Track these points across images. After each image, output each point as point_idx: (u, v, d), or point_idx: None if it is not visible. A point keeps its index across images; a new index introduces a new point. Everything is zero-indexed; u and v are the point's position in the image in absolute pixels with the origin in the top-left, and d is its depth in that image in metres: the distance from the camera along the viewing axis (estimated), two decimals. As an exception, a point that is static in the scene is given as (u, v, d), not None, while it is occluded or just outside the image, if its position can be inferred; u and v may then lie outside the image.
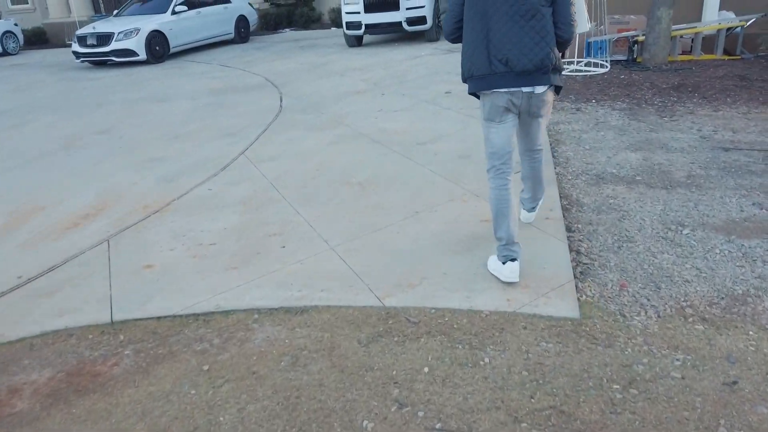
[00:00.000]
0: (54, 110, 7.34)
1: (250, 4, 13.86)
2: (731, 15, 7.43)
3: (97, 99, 7.85)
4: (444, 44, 10.15)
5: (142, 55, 10.63)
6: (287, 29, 15.57)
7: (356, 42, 10.85)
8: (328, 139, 5.07)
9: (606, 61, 7.18)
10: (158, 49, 10.93)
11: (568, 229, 3.20)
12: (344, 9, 10.39)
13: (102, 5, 18.96)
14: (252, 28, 13.77)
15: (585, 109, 5.55)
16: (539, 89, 2.44)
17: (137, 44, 10.53)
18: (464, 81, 2.56)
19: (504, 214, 2.55)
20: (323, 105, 6.40)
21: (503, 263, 2.57)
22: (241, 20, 13.18)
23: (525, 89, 2.41)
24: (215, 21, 12.40)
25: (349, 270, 2.82)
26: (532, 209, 3.13)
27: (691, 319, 2.38)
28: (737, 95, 5.70)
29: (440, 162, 4.28)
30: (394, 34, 11.39)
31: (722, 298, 2.53)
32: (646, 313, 2.43)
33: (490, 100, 2.47)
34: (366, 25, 10.26)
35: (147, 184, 4.30)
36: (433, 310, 2.45)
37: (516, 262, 2.55)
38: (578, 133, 4.85)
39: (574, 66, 7.11)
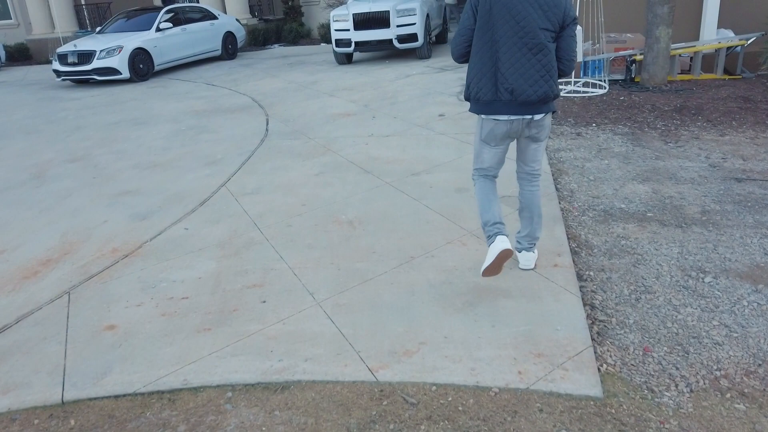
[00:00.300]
0: (28, 134, 6.99)
1: (237, 20, 13.60)
2: (730, 33, 7.25)
3: (75, 121, 7.50)
4: (435, 62, 9.92)
5: (125, 74, 10.30)
6: (276, 45, 15.32)
7: (346, 59, 10.60)
8: (315, 169, 4.76)
9: (604, 82, 6.95)
10: (142, 67, 10.61)
11: (580, 277, 2.91)
12: (333, 26, 10.15)
13: (88, 21, 18.64)
14: (240, 45, 13.50)
15: (586, 134, 5.29)
16: (538, 116, 2.56)
17: (120, 62, 10.20)
18: (467, 100, 2.65)
19: (488, 200, 2.70)
20: (311, 128, 6.10)
21: (490, 243, 2.60)
22: (229, 36, 12.91)
23: (525, 117, 2.54)
24: (202, 38, 12.11)
25: (337, 332, 2.50)
26: (530, 248, 2.88)
27: (728, 395, 2.08)
28: (743, 118, 5.47)
29: (435, 196, 3.98)
30: (385, 52, 11.16)
31: (759, 364, 2.23)
32: (676, 386, 2.13)
33: (490, 126, 2.60)
34: (356, 43, 10.01)
35: (118, 221, 3.97)
36: (434, 387, 2.13)
37: (504, 235, 2.59)
38: (581, 161, 4.58)
39: (571, 87, 6.87)
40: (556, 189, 4.01)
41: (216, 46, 12.56)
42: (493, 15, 2.47)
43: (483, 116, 2.60)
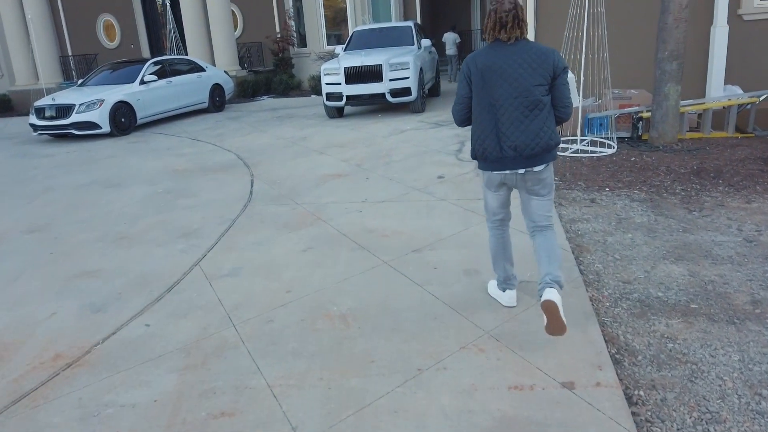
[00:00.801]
0: (-9, 196, 6.42)
1: (226, 72, 13.34)
2: (738, 90, 6.97)
3: (45, 182, 6.96)
4: (430, 117, 9.58)
5: (106, 128, 9.85)
6: (266, 97, 15.06)
7: (337, 113, 10.25)
8: (302, 243, 4.21)
9: (611, 140, 6.57)
10: (123, 120, 10.17)
11: (629, 399, 2.34)
12: (324, 80, 9.83)
13: (74, 72, 18.40)
14: (228, 97, 13.19)
15: (600, 201, 4.82)
16: (539, 167, 2.65)
17: (100, 116, 9.76)
18: (474, 158, 2.78)
19: (500, 254, 2.93)
20: (299, 192, 5.60)
21: (503, 291, 3.02)
22: (216, 89, 12.60)
23: (529, 169, 2.65)
24: (188, 90, 11.77)
25: (327, 494, 1.90)
26: (551, 285, 2.56)
27: None
28: (767, 182, 5.05)
29: (442, 280, 3.44)
30: (377, 105, 10.83)
31: None
32: None
33: (488, 174, 2.78)
34: (347, 97, 9.68)
35: (69, 314, 3.36)
36: None
37: (514, 290, 3.01)
38: (601, 235, 4.08)
39: (577, 146, 6.47)
40: (580, 272, 3.49)
41: (203, 98, 12.22)
42: (486, 81, 2.59)
43: (490, 171, 2.75)
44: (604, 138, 6.73)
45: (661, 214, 4.47)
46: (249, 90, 14.95)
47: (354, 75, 9.53)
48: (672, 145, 6.33)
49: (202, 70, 12.36)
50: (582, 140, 6.63)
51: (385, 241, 4.12)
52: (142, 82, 10.72)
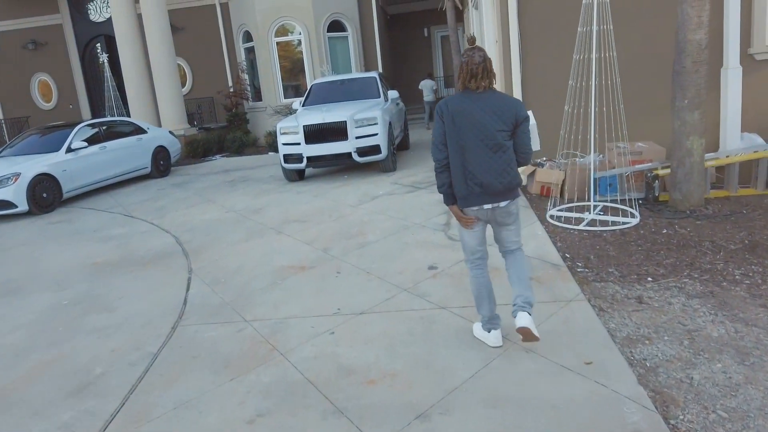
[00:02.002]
0: None
1: (171, 132, 12.01)
2: (758, 138, 6.07)
3: None
4: (403, 176, 8.43)
5: (22, 206, 8.32)
6: (218, 156, 13.74)
7: (297, 176, 9.01)
8: (250, 405, 2.85)
9: (633, 207, 5.51)
10: (45, 196, 8.66)
11: None
12: (281, 140, 8.62)
13: (7, 138, 16.71)
14: (175, 159, 11.83)
15: (650, 299, 3.65)
16: (503, 203, 2.93)
17: (15, 194, 8.24)
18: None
19: (484, 296, 3.10)
20: (249, 298, 4.25)
21: (488, 331, 3.15)
22: (160, 151, 11.23)
23: (494, 205, 2.92)
24: (126, 155, 10.37)
25: None
26: (524, 309, 2.91)
27: None
28: None
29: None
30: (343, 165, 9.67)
31: None
32: None
33: (466, 212, 3.00)
34: (308, 158, 8.47)
35: None
36: None
37: (499, 329, 3.14)
38: (681, 367, 2.87)
39: (590, 215, 5.36)
40: (683, 452, 2.25)
41: (144, 163, 10.82)
42: (456, 124, 2.85)
43: (462, 208, 2.98)
44: (619, 203, 5.67)
45: (737, 318, 3.31)
46: (199, 150, 13.62)
47: (315, 133, 8.36)
48: (700, 208, 5.30)
49: (142, 131, 11.00)
50: (595, 207, 5.54)
51: (372, 397, 2.80)
52: (70, 150, 9.27)
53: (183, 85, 16.58)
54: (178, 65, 16.33)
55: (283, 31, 14.58)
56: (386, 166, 8.81)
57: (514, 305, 2.94)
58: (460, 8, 13.60)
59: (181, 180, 10.64)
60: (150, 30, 13.30)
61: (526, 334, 2.83)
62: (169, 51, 13.50)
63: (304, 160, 8.47)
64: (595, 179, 5.91)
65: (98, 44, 17.00)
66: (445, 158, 2.92)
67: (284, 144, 8.59)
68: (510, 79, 6.94)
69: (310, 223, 6.27)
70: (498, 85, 9.04)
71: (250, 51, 15.31)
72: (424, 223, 5.76)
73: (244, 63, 15.48)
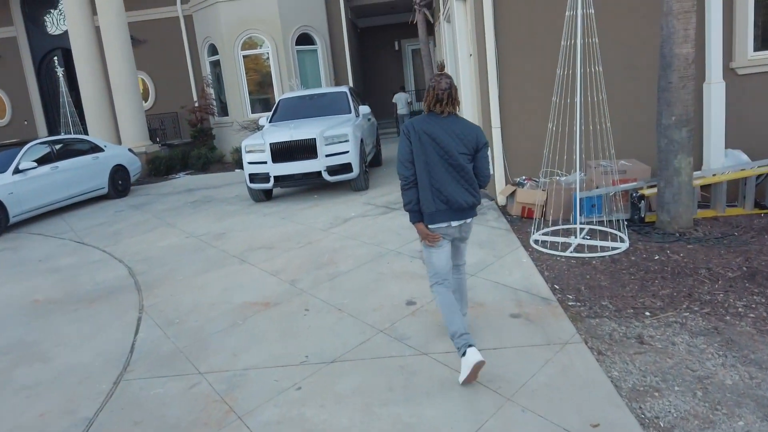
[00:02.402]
0: None
1: (131, 150, 11.38)
2: (742, 155, 5.87)
3: None
4: (376, 196, 8.03)
5: (-39, 233, 7.62)
6: (182, 174, 13.14)
7: (264, 196, 8.53)
8: (200, 486, 2.38)
9: (620, 230, 5.21)
10: (-11, 221, 7.98)
11: None
12: (246, 158, 8.14)
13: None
14: (135, 178, 11.19)
15: (650, 338, 3.31)
16: (468, 220, 3.14)
17: (-47, 219, 7.55)
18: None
19: (453, 311, 3.06)
20: (204, 346, 3.77)
21: (464, 354, 2.91)
22: (119, 171, 10.60)
23: (459, 221, 3.09)
24: (81, 175, 9.72)
25: None
26: (472, 343, 2.94)
27: None
28: None
29: None
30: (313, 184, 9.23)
31: None
32: None
33: (432, 231, 3.09)
34: (275, 178, 8.00)
35: None
36: None
37: (473, 347, 2.92)
38: (698, 425, 2.51)
39: (577, 240, 5.04)
40: None
41: (101, 183, 10.18)
42: (423, 143, 3.00)
43: (429, 226, 3.08)
44: (606, 224, 5.37)
45: (749, 361, 2.99)
46: (162, 167, 12.99)
47: (282, 151, 7.91)
48: (690, 230, 5.03)
49: (99, 149, 10.36)
50: (581, 230, 5.23)
51: (346, 472, 2.36)
52: (17, 171, 8.60)
53: (145, 99, 15.94)
54: (140, 79, 15.71)
55: (250, 44, 14.12)
56: (358, 185, 8.40)
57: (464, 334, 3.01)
58: (431, 21, 13.38)
59: (141, 201, 10.03)
60: (109, 43, 12.68)
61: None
62: (129, 65, 12.89)
63: (271, 180, 8.00)
64: (578, 199, 5.62)
65: (55, 58, 16.23)
66: (412, 175, 3.04)
67: (250, 163, 8.11)
68: (486, 95, 6.63)
69: (276, 250, 5.81)
70: (473, 102, 8.78)
71: (215, 64, 14.79)
72: (400, 249, 5.36)
73: (210, 77, 14.94)
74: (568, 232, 5.31)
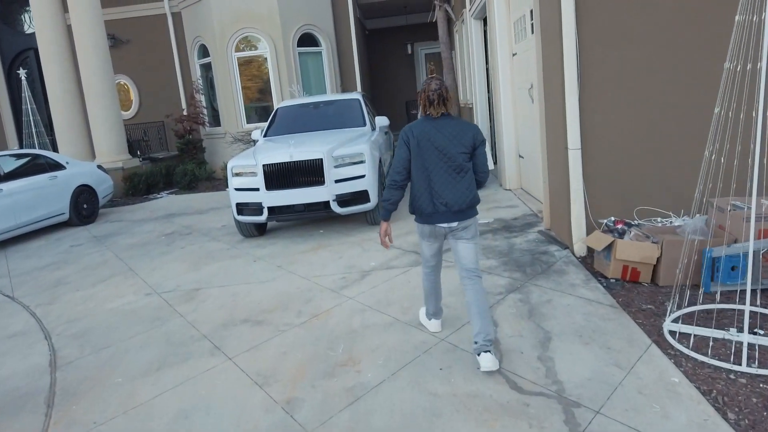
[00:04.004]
0: None
1: (101, 166, 9.58)
2: None
3: None
4: (402, 233, 6.20)
5: None
6: (164, 193, 11.34)
7: (256, 230, 6.71)
8: None
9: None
10: None
11: None
12: (233, 182, 6.34)
13: None
14: (106, 200, 9.41)
15: None
16: (466, 221, 3.14)
17: None
18: (412, 213, 3.20)
19: (432, 292, 3.43)
20: None
21: (430, 320, 3.57)
22: (84, 192, 8.80)
23: (459, 222, 3.12)
24: (33, 199, 7.92)
25: None
26: (487, 348, 2.99)
27: None
28: None
29: None
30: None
31: None
32: None
33: (421, 227, 3.23)
34: (270, 209, 6.19)
35: None
36: None
37: (440, 320, 3.54)
38: None
39: (693, 329, 3.18)
40: None
41: (60, 207, 8.37)
42: (421, 147, 3.06)
43: (425, 224, 3.19)
44: (759, 299, 3.52)
45: None
46: (141, 186, 11.19)
47: (279, 175, 6.10)
48: None
49: (58, 167, 8.57)
50: (706, 311, 3.37)
51: None
52: (-56, 196, 6.81)
53: (128, 107, 14.18)
54: (123, 84, 13.97)
55: (245, 44, 12.36)
56: (375, 217, 6.59)
57: (476, 342, 3.04)
58: (454, 19, 11.63)
59: (107, 230, 8.21)
60: (81, 41, 10.92)
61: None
62: (104, 68, 11.12)
63: (265, 212, 6.18)
64: (711, 258, 3.80)
65: (28, 58, 14.48)
66: (403, 180, 3.14)
67: (237, 189, 6.30)
68: (557, 105, 4.83)
69: (267, 328, 3.98)
70: (516, 114, 6.93)
71: (206, 68, 13.04)
72: (456, 337, 3.51)
73: (200, 81, 13.18)
74: (720, 318, 3.45)
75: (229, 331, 4.02)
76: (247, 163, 6.23)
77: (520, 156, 7.72)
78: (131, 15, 13.63)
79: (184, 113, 12.87)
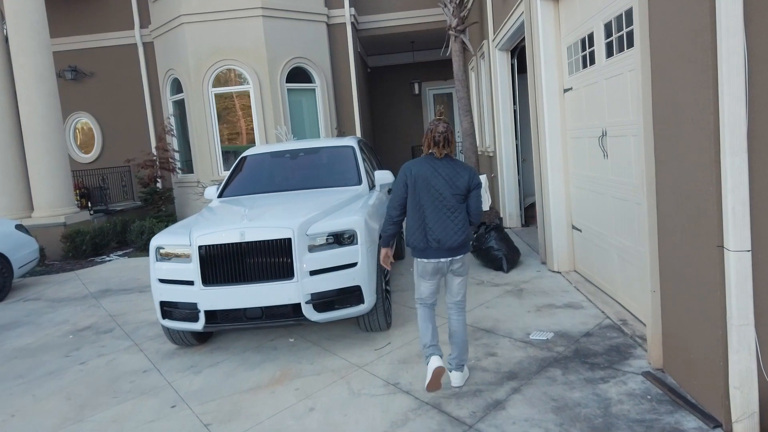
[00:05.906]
0: None
1: (20, 226, 7.45)
2: None
3: None
4: (413, 347, 3.97)
5: None
6: (115, 255, 9.19)
7: (193, 338, 4.50)
8: None
9: None
10: None
11: None
12: (155, 270, 4.17)
13: None
14: (29, 267, 7.27)
15: None
16: (458, 257, 3.27)
17: None
18: (407, 246, 3.30)
19: (427, 326, 3.35)
20: None
21: (427, 363, 3.24)
22: (-10, 261, 6.66)
23: (449, 258, 3.25)
24: None
25: None
26: (460, 367, 3.37)
27: None
28: None
29: None
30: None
31: None
32: None
33: (422, 265, 3.29)
34: (209, 314, 4.00)
35: None
36: None
37: (437, 356, 3.24)
38: None
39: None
40: None
41: (-50, 285, 6.20)
42: (417, 187, 3.21)
43: (418, 259, 3.29)
44: None
45: None
46: (87, 246, 9.02)
47: (223, 261, 3.93)
48: None
49: (-46, 229, 6.45)
50: None
51: None
52: None
53: (89, 149, 12.23)
54: (84, 123, 12.04)
55: (225, 78, 10.46)
56: (372, 323, 4.39)
57: (450, 363, 3.40)
58: (473, 52, 9.72)
59: (7, 317, 6.02)
60: (20, 75, 9.01)
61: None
62: (50, 104, 9.18)
63: (201, 318, 3.99)
64: None
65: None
66: (399, 216, 3.28)
67: (161, 281, 4.13)
68: (693, 154, 2.72)
69: None
70: (567, 168, 4.66)
71: (180, 105, 11.11)
72: None
73: (172, 121, 11.22)
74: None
75: None
76: (177, 242, 4.08)
77: (574, 228, 5.58)
78: (96, 45, 11.80)
79: (153, 157, 10.86)
